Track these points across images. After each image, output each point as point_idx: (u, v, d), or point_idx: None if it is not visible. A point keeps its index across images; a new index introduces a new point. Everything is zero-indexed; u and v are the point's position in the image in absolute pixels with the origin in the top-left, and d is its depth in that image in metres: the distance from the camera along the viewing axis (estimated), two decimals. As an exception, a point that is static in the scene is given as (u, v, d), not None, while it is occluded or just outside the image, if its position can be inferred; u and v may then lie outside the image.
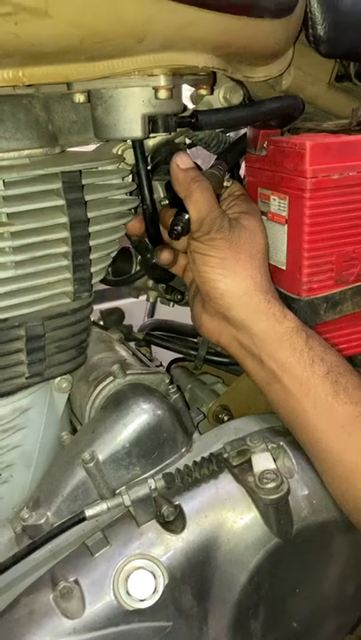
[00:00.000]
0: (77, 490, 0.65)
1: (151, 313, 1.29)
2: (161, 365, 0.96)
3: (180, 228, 0.63)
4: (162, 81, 0.55)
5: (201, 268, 0.63)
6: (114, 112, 0.59)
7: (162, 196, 0.79)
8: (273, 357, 0.62)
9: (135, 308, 1.20)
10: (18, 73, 0.48)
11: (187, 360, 0.93)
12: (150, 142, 0.72)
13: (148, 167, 0.71)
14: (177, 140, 0.75)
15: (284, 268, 0.69)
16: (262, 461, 0.65)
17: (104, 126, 0.61)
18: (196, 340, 0.89)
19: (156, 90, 0.56)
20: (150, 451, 0.66)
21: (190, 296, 0.72)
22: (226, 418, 0.80)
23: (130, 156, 0.71)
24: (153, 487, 0.63)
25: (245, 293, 0.62)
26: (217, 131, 0.77)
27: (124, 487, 0.64)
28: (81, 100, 0.58)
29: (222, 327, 0.66)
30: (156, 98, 0.57)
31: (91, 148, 0.75)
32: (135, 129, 0.60)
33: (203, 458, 0.67)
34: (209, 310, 0.66)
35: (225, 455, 0.67)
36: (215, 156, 0.74)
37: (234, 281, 0.62)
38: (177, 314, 0.98)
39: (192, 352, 0.87)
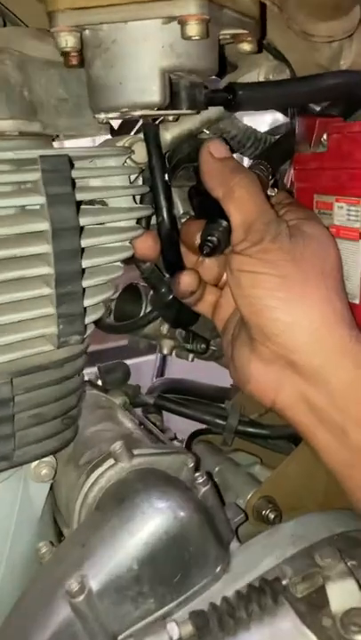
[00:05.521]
0: (59, 636, 0.46)
1: (161, 371, 1.11)
2: (176, 439, 0.78)
3: (215, 238, 0.45)
4: (192, 7, 0.36)
5: (250, 292, 0.46)
6: (119, 64, 0.40)
7: (181, 212, 0.61)
8: None
9: (143, 366, 1.02)
10: None
11: (211, 432, 0.76)
12: (168, 135, 0.55)
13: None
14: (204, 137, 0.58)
15: (357, 301, 0.52)
16: (344, 593, 0.45)
17: (104, 89, 0.42)
18: (223, 405, 0.73)
19: (182, 23, 0.37)
20: (170, 574, 0.48)
21: (227, 340, 0.54)
22: (272, 515, 0.61)
23: (140, 152, 0.53)
24: (176, 636, 0.45)
25: (322, 325, 0.45)
26: (254, 128, 0.61)
27: (129, 634, 0.46)
28: (69, 45, 0.39)
29: (284, 380, 0.48)
30: (183, 37, 0.38)
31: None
32: (150, 90, 0.41)
33: (250, 585, 0.47)
34: (263, 355, 0.48)
35: (284, 581, 0.47)
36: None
37: (303, 308, 0.45)
38: (195, 372, 0.83)
39: (219, 421, 0.71)
